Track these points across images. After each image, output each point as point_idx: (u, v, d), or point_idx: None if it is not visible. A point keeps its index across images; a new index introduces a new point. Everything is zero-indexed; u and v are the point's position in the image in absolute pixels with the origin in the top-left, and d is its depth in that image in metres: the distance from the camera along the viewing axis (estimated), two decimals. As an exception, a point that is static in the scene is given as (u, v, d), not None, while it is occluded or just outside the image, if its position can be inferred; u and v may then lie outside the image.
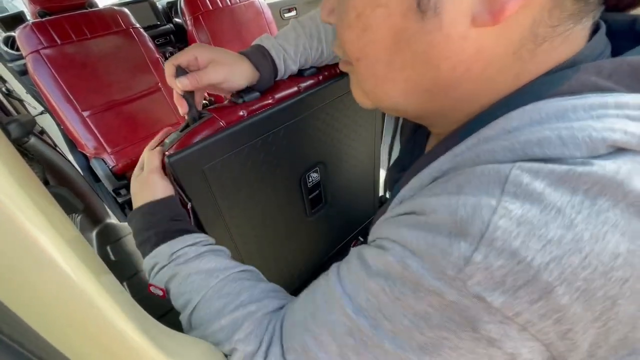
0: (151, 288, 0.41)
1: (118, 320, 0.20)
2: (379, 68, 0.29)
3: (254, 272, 0.46)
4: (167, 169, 0.49)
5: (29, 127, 0.55)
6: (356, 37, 0.29)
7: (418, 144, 0.44)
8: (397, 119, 0.54)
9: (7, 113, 0.86)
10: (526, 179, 0.21)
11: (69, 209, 0.54)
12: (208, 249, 0.44)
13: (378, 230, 0.30)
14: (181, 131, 0.51)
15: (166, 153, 0.48)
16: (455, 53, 0.26)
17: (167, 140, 0.52)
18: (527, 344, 0.22)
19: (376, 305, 0.26)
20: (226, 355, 0.37)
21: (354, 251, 0.32)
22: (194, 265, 0.40)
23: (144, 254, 0.43)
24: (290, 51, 0.55)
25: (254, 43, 0.56)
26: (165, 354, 0.25)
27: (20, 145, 0.86)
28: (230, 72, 0.50)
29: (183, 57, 0.48)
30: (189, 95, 0.49)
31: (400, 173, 0.40)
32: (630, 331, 0.22)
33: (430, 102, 0.30)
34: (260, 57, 0.53)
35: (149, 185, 0.46)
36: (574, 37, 0.26)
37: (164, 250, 0.42)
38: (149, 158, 0.49)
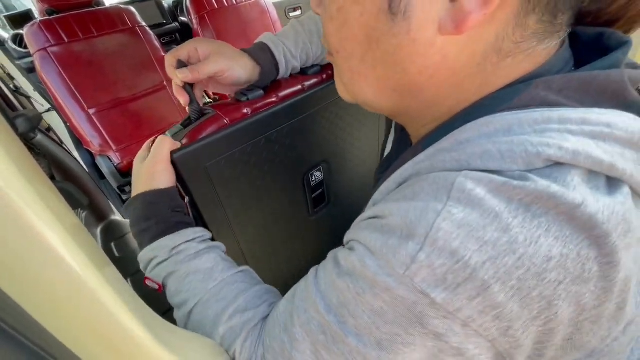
0: (147, 281, 0.40)
1: (119, 312, 0.20)
2: (354, 63, 0.31)
3: (249, 273, 0.46)
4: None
5: (36, 122, 0.55)
6: (336, 30, 0.30)
7: (404, 144, 0.45)
8: (388, 121, 0.54)
9: (14, 110, 0.87)
10: (470, 185, 0.23)
11: (74, 204, 0.54)
12: (206, 246, 0.44)
13: (351, 233, 0.31)
14: (183, 125, 0.51)
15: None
16: (422, 58, 0.27)
17: (167, 133, 0.52)
18: (472, 339, 0.23)
19: (343, 303, 0.27)
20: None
21: (330, 254, 0.33)
22: (193, 265, 0.41)
23: (142, 244, 0.43)
24: (290, 46, 0.55)
25: (254, 42, 0.56)
26: (165, 346, 0.25)
27: (28, 142, 0.87)
28: (230, 63, 0.50)
29: (184, 49, 0.48)
30: (190, 89, 0.49)
31: (382, 174, 0.41)
32: (576, 333, 0.24)
33: (398, 102, 0.31)
34: (259, 51, 0.53)
35: (155, 173, 0.45)
36: (536, 54, 0.27)
37: (164, 244, 0.42)
38: (160, 145, 0.47)
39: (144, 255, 0.42)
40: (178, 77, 0.47)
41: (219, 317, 0.37)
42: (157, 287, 0.40)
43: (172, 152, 0.46)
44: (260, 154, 0.58)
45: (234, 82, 0.52)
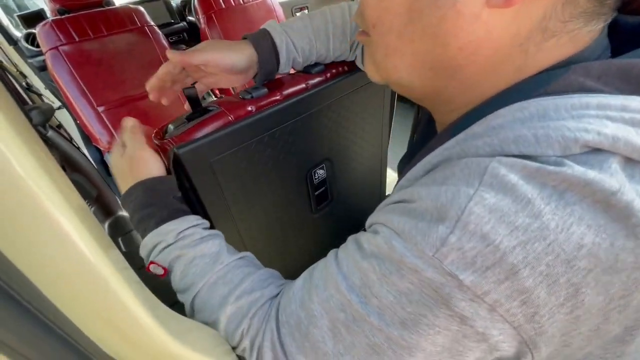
0: (151, 267, 0.40)
1: (122, 293, 0.21)
2: (390, 38, 0.30)
3: (252, 258, 0.47)
4: (173, 159, 0.50)
5: (49, 114, 0.57)
6: (376, 1, 0.30)
7: (430, 133, 0.45)
8: (417, 111, 0.53)
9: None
10: (502, 171, 0.23)
11: (84, 194, 0.56)
12: (209, 232, 0.45)
13: (374, 216, 0.31)
14: (188, 119, 0.52)
15: (174, 144, 0.49)
16: (465, 32, 0.26)
17: (171, 125, 0.53)
18: (497, 325, 0.24)
19: (366, 283, 0.28)
20: (233, 347, 0.38)
21: (351, 238, 0.34)
22: (199, 249, 0.41)
23: (146, 230, 0.42)
24: (294, 37, 0.54)
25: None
26: (167, 329, 0.26)
27: (41, 136, 0.89)
28: (223, 50, 0.49)
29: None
30: (193, 93, 0.50)
31: (406, 164, 0.41)
32: (602, 323, 0.24)
33: (433, 81, 0.31)
34: (260, 38, 0.52)
35: (142, 162, 0.45)
36: (580, 36, 0.26)
37: (170, 229, 0.41)
38: (133, 137, 0.47)
39: (148, 241, 0.42)
40: (169, 56, 0.48)
41: (225, 299, 0.38)
42: (161, 271, 0.40)
43: (177, 147, 0.47)
44: (264, 151, 0.59)
45: (231, 68, 0.50)
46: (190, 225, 0.43)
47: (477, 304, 0.23)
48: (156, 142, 0.52)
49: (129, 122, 0.50)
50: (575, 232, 0.21)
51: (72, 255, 0.18)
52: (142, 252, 0.43)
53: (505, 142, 0.24)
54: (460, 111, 0.32)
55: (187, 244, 0.41)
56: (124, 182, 0.46)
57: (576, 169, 0.21)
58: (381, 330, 0.27)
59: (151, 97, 0.53)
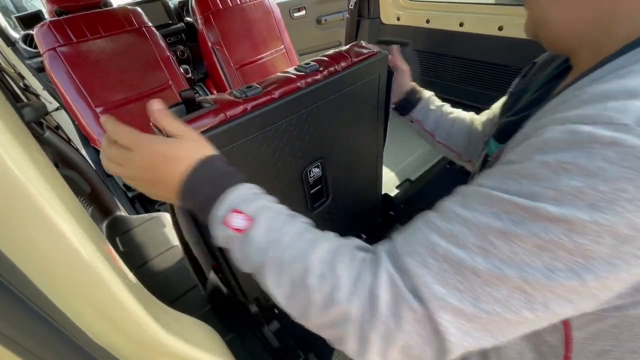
0: (233, 218, 0.35)
1: (112, 284, 0.22)
2: None
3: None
4: None
5: (41, 111, 0.57)
6: None
7: (545, 93, 0.45)
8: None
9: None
10: None
11: (76, 190, 0.56)
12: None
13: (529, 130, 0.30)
14: (187, 109, 0.52)
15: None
16: None
17: (169, 111, 0.52)
18: None
19: (537, 181, 0.26)
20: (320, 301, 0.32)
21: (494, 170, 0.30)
22: (277, 207, 0.38)
23: (231, 184, 0.38)
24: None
25: None
26: (159, 321, 0.27)
27: (36, 137, 0.90)
28: None
29: None
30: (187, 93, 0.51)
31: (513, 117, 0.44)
32: None
33: (590, 30, 0.33)
34: None
35: (195, 141, 0.40)
36: None
37: (250, 186, 0.39)
38: (170, 119, 0.41)
39: (233, 192, 0.37)
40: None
41: (314, 244, 0.34)
42: (243, 224, 0.35)
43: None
44: (259, 149, 0.60)
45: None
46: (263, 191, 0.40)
47: None
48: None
49: (156, 105, 0.41)
50: None
51: (63, 248, 0.19)
52: (222, 208, 0.37)
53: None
54: (593, 60, 0.33)
55: (269, 199, 0.38)
56: (179, 165, 0.38)
57: None
58: (563, 218, 0.24)
59: None
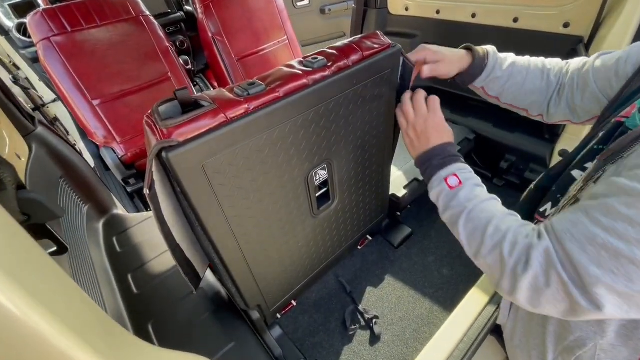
0: (455, 180, 0.53)
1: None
2: None
3: None
4: (162, 162, 0.46)
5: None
6: None
7: None
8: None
9: (14, 102, 0.85)
10: None
11: (46, 215, 0.51)
12: None
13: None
14: (183, 110, 0.48)
15: (164, 137, 0.44)
16: None
17: (161, 109, 0.48)
18: None
19: None
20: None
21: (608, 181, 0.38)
22: (478, 180, 0.54)
23: (454, 160, 0.56)
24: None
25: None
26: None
27: (24, 136, 0.85)
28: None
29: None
30: (181, 92, 0.47)
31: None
32: None
33: None
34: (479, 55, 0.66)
35: (440, 127, 0.59)
36: None
37: (466, 165, 0.56)
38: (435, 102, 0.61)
39: (460, 165, 0.55)
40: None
41: (494, 214, 0.47)
42: (456, 183, 0.53)
43: (166, 151, 0.43)
44: (262, 151, 0.55)
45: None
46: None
47: None
48: (147, 119, 0.48)
49: (423, 93, 0.62)
50: None
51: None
52: (446, 170, 0.55)
53: None
54: None
55: (477, 178, 0.55)
56: (442, 134, 0.59)
57: None
58: None
59: None
